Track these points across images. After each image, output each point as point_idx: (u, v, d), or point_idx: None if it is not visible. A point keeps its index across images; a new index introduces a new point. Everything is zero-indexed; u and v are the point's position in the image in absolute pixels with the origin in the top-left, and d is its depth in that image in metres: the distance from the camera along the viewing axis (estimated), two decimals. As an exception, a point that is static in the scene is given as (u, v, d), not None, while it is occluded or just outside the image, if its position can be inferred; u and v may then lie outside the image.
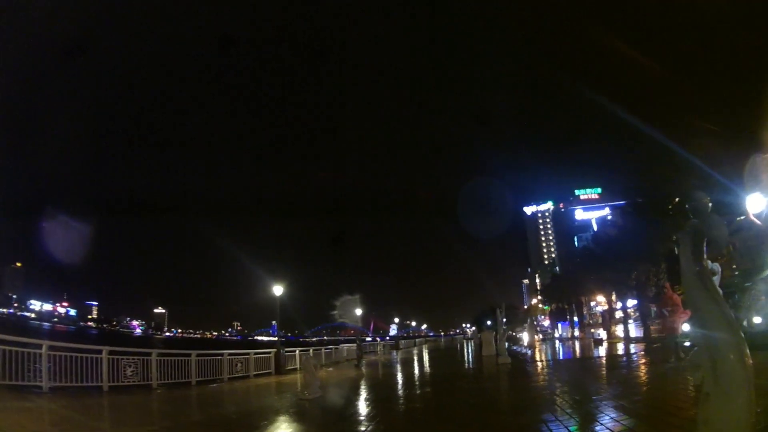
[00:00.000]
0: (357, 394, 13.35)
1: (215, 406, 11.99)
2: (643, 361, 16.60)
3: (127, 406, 10.76)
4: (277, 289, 22.71)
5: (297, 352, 21.47)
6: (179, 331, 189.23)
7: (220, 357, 16.34)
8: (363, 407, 10.82)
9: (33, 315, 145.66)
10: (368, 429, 7.78)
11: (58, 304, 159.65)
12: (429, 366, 25.41)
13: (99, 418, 8.71)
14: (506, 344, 22.98)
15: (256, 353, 18.72)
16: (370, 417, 9.08)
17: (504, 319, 24.64)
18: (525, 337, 50.96)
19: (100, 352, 12.01)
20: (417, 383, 16.48)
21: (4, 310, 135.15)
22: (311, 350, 23.36)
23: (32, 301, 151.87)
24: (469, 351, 38.53)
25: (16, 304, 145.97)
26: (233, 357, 17.08)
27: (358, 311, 49.75)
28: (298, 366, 20.41)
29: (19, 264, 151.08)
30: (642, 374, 13.04)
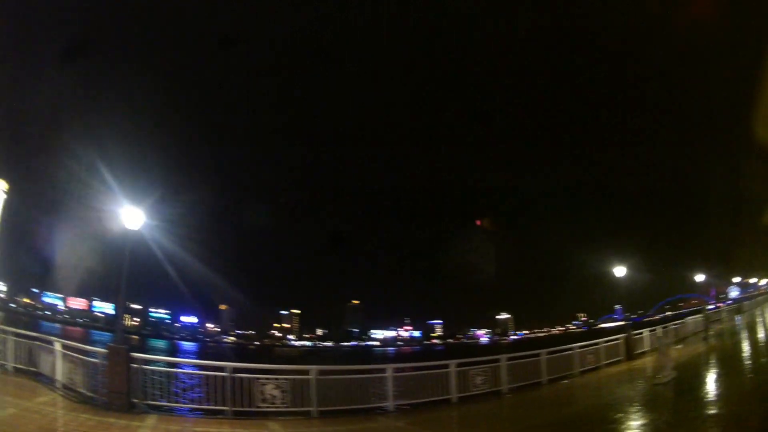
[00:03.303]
0: (709, 372, 12.53)
1: (566, 404, 11.73)
2: None
3: (475, 415, 11.02)
4: (619, 271, 20.65)
5: (645, 333, 19.14)
6: (525, 332, 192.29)
7: (569, 351, 15.50)
8: (717, 387, 10.04)
9: (378, 343, 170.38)
10: (726, 412, 7.30)
11: (400, 329, 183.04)
12: None
13: (445, 430, 9.16)
14: None
15: (605, 341, 17.29)
16: (726, 397, 8.50)
17: None
18: None
19: (447, 366, 12.28)
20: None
21: (351, 343, 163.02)
22: (658, 329, 20.23)
23: (373, 331, 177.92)
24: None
25: (356, 337, 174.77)
26: (583, 349, 16.07)
27: (700, 277, 41.84)
28: (646, 348, 18.58)
29: (356, 301, 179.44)
30: None
